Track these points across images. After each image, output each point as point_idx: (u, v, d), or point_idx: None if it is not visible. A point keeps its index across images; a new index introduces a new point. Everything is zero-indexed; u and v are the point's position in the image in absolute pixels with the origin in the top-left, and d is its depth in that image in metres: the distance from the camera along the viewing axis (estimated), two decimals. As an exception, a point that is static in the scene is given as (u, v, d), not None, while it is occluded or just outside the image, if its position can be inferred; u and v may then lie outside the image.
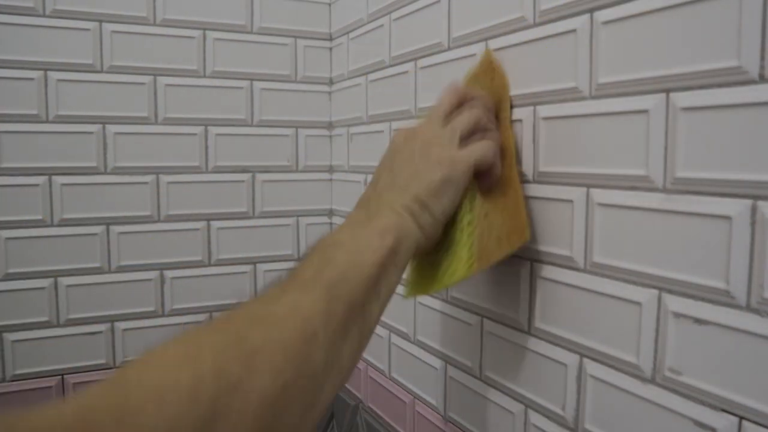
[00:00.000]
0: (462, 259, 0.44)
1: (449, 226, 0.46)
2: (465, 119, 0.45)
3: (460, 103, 0.46)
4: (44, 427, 0.24)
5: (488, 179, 0.45)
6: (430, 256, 0.47)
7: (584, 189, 0.44)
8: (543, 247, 0.49)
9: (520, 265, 0.51)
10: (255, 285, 0.88)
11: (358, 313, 0.35)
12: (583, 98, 0.44)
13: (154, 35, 0.79)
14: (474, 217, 0.45)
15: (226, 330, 0.31)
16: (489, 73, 0.50)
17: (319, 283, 0.34)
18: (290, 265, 0.85)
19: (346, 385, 0.89)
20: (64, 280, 0.77)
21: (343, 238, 0.38)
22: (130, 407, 0.26)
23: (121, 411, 0.25)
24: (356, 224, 0.40)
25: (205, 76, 0.83)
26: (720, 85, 0.35)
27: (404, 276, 0.42)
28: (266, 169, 0.87)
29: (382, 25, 0.73)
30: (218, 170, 0.84)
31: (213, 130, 0.83)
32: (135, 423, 0.25)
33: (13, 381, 0.76)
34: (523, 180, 0.49)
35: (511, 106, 0.49)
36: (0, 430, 0.23)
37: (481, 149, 0.44)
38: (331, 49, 0.90)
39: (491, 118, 0.47)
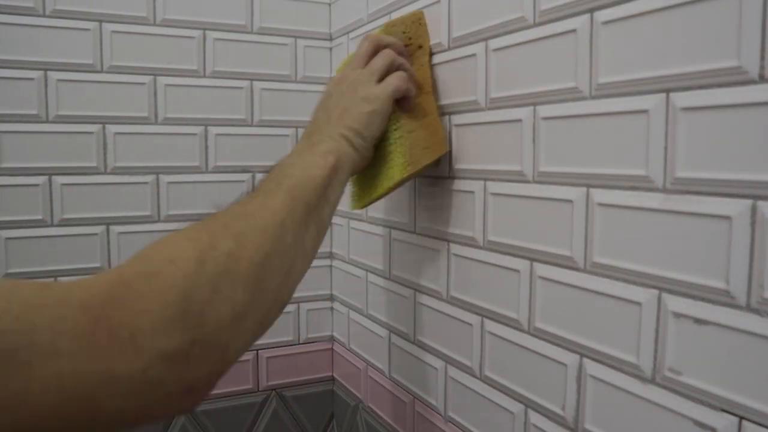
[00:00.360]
0: (398, 164, 0.54)
1: (379, 146, 0.56)
2: (379, 60, 0.55)
3: (376, 50, 0.56)
4: (91, 285, 0.32)
5: (406, 103, 0.56)
6: (365, 172, 0.58)
7: (584, 189, 0.44)
8: (543, 247, 0.49)
9: (519, 264, 0.51)
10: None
11: (314, 211, 0.45)
12: (583, 98, 0.44)
13: (154, 35, 0.79)
14: (402, 133, 0.55)
15: (214, 222, 0.39)
16: (415, 24, 0.62)
17: (281, 189, 0.43)
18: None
19: (346, 385, 0.89)
20: (65, 281, 0.77)
21: (294, 161, 0.48)
22: (153, 270, 0.34)
23: (147, 273, 0.33)
24: (302, 151, 0.49)
25: (205, 76, 0.83)
26: (720, 85, 0.35)
27: (348, 192, 0.53)
28: (266, 169, 0.87)
29: (382, 26, 0.73)
30: (218, 170, 0.84)
31: (213, 130, 0.83)
32: (158, 279, 0.33)
33: (13, 381, 0.75)
34: (440, 108, 0.61)
35: (431, 53, 0.61)
36: (58, 294, 0.30)
37: (394, 81, 0.54)
38: (331, 49, 0.90)
39: (402, 58, 0.58)
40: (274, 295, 0.40)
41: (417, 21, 0.62)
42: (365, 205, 0.59)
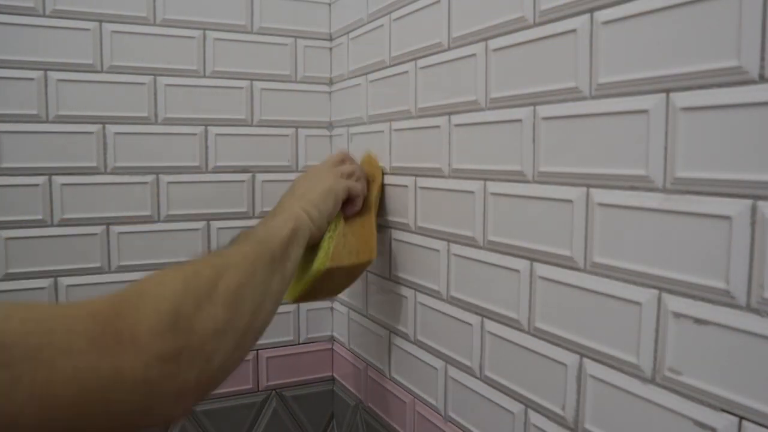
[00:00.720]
0: (320, 258, 0.61)
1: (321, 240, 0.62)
2: (347, 167, 0.67)
3: (343, 161, 0.69)
4: (96, 301, 0.38)
5: (350, 209, 0.66)
6: (303, 258, 0.60)
7: (584, 189, 0.44)
8: (543, 247, 0.49)
9: (519, 264, 0.51)
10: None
11: (278, 261, 0.51)
12: (583, 98, 0.44)
13: (154, 35, 0.79)
14: (335, 234, 0.63)
15: (195, 259, 0.46)
16: (366, 164, 0.74)
17: (250, 240, 0.51)
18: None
19: (346, 385, 0.89)
20: (64, 280, 0.77)
21: (258, 227, 0.55)
22: (147, 290, 0.40)
23: (142, 291, 0.40)
24: (266, 221, 0.57)
25: (205, 76, 0.83)
26: (720, 85, 0.35)
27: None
28: (266, 169, 0.87)
29: (382, 25, 0.73)
30: (218, 170, 0.84)
31: (213, 130, 0.83)
32: (151, 296, 0.40)
33: (13, 381, 0.75)
34: (378, 227, 0.71)
35: (382, 184, 0.73)
36: (69, 308, 0.37)
37: (351, 181, 0.65)
38: (331, 49, 0.90)
39: (363, 177, 0.69)
40: (248, 321, 0.46)
41: (368, 161, 0.74)
42: (295, 298, 0.63)
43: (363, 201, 0.68)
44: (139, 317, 0.38)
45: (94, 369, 0.34)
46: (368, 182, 0.71)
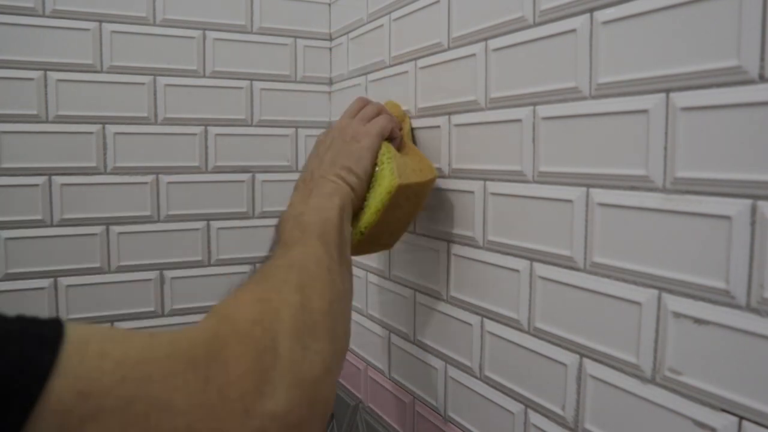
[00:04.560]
0: (386, 178, 0.54)
1: (371, 183, 0.56)
2: (368, 109, 0.59)
3: (363, 107, 0.60)
4: (192, 339, 0.32)
5: (393, 143, 0.59)
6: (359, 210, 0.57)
7: (584, 189, 0.44)
8: (543, 247, 0.49)
9: (519, 264, 0.51)
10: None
11: (342, 251, 0.46)
12: (583, 98, 0.44)
13: (154, 35, 0.79)
14: (392, 156, 0.56)
15: (271, 277, 0.40)
16: (394, 109, 0.67)
17: (311, 237, 0.44)
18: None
19: (346, 385, 0.89)
20: (64, 280, 0.77)
21: (304, 209, 0.48)
22: (244, 331, 0.34)
23: (238, 333, 0.33)
24: (305, 198, 0.50)
25: (205, 76, 0.83)
26: (720, 85, 0.35)
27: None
28: (266, 169, 0.87)
29: (382, 25, 0.73)
30: (218, 170, 0.84)
31: (213, 130, 0.83)
32: (251, 342, 0.33)
33: (13, 381, 0.75)
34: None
35: (412, 129, 0.67)
36: (166, 347, 0.30)
37: (381, 121, 0.57)
38: (331, 49, 0.90)
39: (387, 112, 0.61)
40: (344, 341, 0.41)
41: (391, 107, 0.67)
42: (363, 233, 0.56)
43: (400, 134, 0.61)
44: (243, 370, 0.32)
45: (193, 404, 0.29)
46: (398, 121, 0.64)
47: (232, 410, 0.30)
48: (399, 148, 0.60)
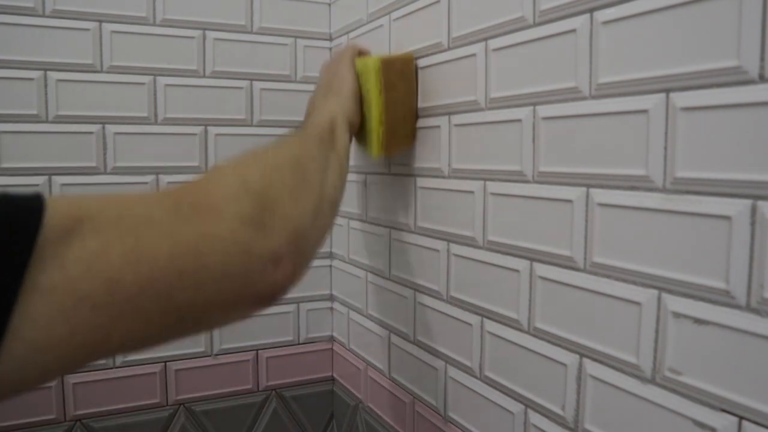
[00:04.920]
0: (370, 63, 0.63)
1: (365, 106, 0.65)
2: (336, 51, 0.71)
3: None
4: (167, 188, 0.40)
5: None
6: (364, 128, 0.65)
7: (584, 189, 0.44)
8: (543, 247, 0.49)
9: (519, 264, 0.51)
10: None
11: (327, 143, 0.52)
12: (583, 98, 0.44)
13: (154, 35, 0.79)
14: (369, 55, 0.67)
15: (248, 152, 0.45)
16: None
17: (293, 134, 0.53)
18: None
19: (346, 385, 0.89)
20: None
21: (300, 127, 0.56)
22: (209, 176, 0.41)
23: (203, 178, 0.41)
24: (302, 124, 0.58)
25: (205, 76, 0.83)
26: (720, 85, 0.35)
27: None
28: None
29: (382, 25, 0.73)
30: (218, 170, 0.84)
31: (213, 130, 0.83)
32: (215, 176, 0.41)
33: (13, 381, 0.75)
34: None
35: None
36: (144, 194, 0.36)
37: (346, 52, 0.67)
38: (331, 49, 0.90)
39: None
40: (318, 187, 0.46)
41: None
42: (380, 141, 0.64)
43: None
44: (209, 190, 0.39)
45: (179, 234, 0.34)
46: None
47: (203, 216, 0.36)
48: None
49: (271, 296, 0.39)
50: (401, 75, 0.65)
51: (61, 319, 0.29)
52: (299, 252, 0.41)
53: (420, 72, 0.65)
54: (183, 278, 0.34)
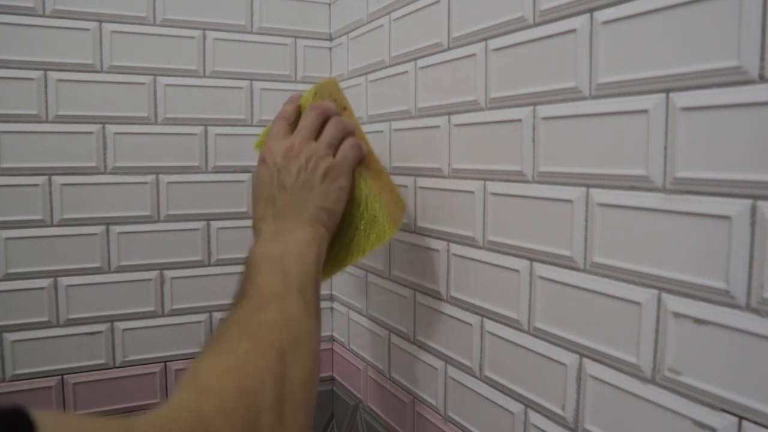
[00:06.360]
0: (385, 229, 0.55)
1: (353, 223, 0.57)
2: (333, 130, 0.54)
3: (324, 121, 0.55)
4: (172, 420, 0.31)
5: (364, 163, 0.56)
6: (332, 242, 0.56)
7: (584, 189, 0.44)
8: (543, 247, 0.49)
9: (519, 264, 0.51)
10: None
11: (317, 305, 0.46)
12: (583, 98, 0.44)
13: (154, 35, 0.79)
14: (375, 194, 0.56)
15: (256, 335, 0.39)
16: (335, 90, 0.60)
17: (292, 291, 0.43)
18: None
19: (346, 385, 0.89)
20: (64, 280, 0.77)
21: (282, 251, 0.46)
22: (230, 406, 0.33)
23: (224, 409, 0.33)
24: (280, 236, 0.48)
25: (205, 76, 0.83)
26: (720, 85, 0.35)
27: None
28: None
29: (381, 25, 0.73)
30: (218, 170, 0.84)
31: (213, 130, 0.83)
32: (237, 415, 0.33)
33: (12, 381, 0.75)
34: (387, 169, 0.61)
35: (354, 114, 0.61)
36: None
37: (351, 152, 0.54)
38: (331, 49, 0.90)
39: (348, 122, 0.56)
40: (313, 408, 0.41)
41: (336, 87, 0.61)
42: (338, 272, 0.58)
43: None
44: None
45: None
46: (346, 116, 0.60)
47: None
48: (367, 164, 0.58)
49: None
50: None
51: None
52: None
53: (420, 72, 0.65)
54: None
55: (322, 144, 0.53)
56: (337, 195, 0.52)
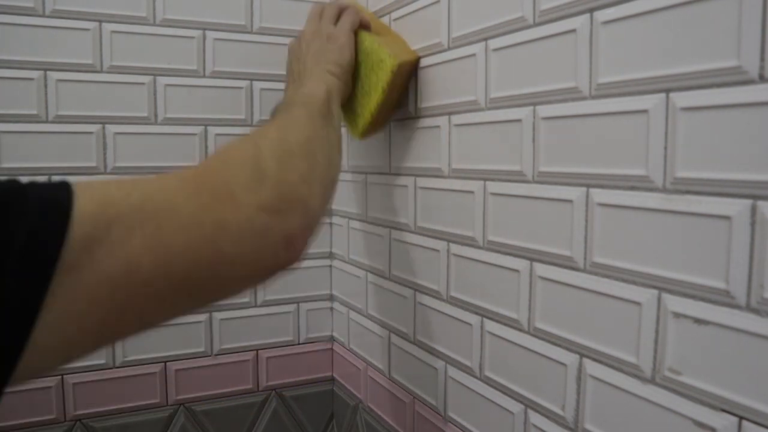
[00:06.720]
0: (385, 60, 0.62)
1: (357, 75, 0.65)
2: (329, 10, 0.66)
3: (324, 9, 0.67)
4: (184, 170, 0.39)
5: (367, 28, 0.66)
6: (352, 100, 0.66)
7: (584, 189, 0.44)
8: (543, 247, 0.49)
9: (519, 264, 0.51)
10: (255, 285, 0.87)
11: (327, 117, 0.53)
12: (583, 98, 0.44)
13: (154, 35, 0.79)
14: (379, 41, 0.63)
15: (259, 129, 0.48)
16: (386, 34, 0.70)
17: (295, 105, 0.52)
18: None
19: (346, 385, 0.89)
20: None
21: (293, 96, 0.56)
22: (227, 157, 0.43)
23: (224, 157, 0.43)
24: (295, 91, 0.57)
25: (204, 76, 0.83)
26: (720, 85, 0.35)
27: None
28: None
29: (382, 25, 0.73)
30: (218, 170, 0.84)
31: (213, 130, 0.83)
32: (235, 160, 0.42)
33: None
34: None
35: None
36: (162, 180, 0.37)
37: (347, 17, 0.64)
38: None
39: (347, 4, 0.67)
40: (325, 168, 0.48)
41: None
42: (365, 128, 0.66)
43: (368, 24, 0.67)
44: (228, 178, 0.40)
45: (198, 223, 0.36)
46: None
47: (224, 204, 0.38)
48: (374, 31, 0.67)
49: (281, 272, 0.41)
50: (406, 76, 0.66)
51: (84, 298, 0.30)
52: (309, 231, 0.43)
53: (420, 72, 0.65)
54: (199, 265, 0.36)
55: (321, 22, 0.65)
56: (339, 51, 0.61)
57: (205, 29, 0.82)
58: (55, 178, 0.75)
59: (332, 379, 0.94)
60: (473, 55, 0.56)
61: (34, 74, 0.74)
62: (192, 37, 0.81)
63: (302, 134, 0.48)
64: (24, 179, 0.33)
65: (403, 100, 0.68)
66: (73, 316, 0.30)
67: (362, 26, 0.65)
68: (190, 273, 0.35)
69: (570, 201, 0.46)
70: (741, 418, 0.34)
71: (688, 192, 0.37)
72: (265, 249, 0.39)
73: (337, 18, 0.65)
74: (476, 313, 0.58)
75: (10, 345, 0.28)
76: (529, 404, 0.51)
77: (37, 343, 0.28)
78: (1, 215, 0.28)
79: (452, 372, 0.62)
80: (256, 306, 0.88)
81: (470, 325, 0.58)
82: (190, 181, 0.38)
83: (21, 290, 0.28)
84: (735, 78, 0.34)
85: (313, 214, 0.44)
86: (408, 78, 0.66)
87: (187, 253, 0.35)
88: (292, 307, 0.91)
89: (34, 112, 0.74)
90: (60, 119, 0.76)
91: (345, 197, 0.87)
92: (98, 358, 0.79)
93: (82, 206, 0.31)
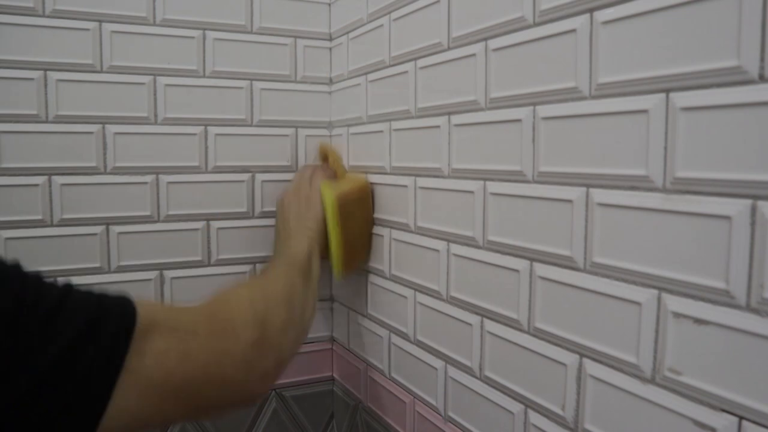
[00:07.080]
0: (326, 199, 0.73)
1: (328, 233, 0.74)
2: (306, 170, 0.81)
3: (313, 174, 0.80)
4: (196, 307, 0.51)
5: (331, 174, 0.81)
6: (329, 247, 0.75)
7: (584, 189, 0.44)
8: (543, 247, 0.49)
9: (519, 264, 0.51)
10: (255, 285, 0.87)
11: (306, 274, 0.66)
12: (583, 98, 0.44)
13: (154, 35, 0.79)
14: (327, 186, 0.74)
15: (252, 280, 0.62)
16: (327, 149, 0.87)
17: (281, 264, 0.66)
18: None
19: (346, 385, 0.89)
20: (64, 281, 0.77)
21: (282, 254, 0.69)
22: (227, 299, 0.55)
23: (227, 299, 0.55)
24: (282, 247, 0.72)
25: (204, 76, 0.83)
26: (720, 85, 0.35)
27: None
28: (266, 169, 0.87)
29: (381, 25, 0.73)
30: (218, 170, 0.84)
31: (213, 130, 0.83)
32: (235, 302, 0.54)
33: (13, 381, 0.75)
34: (377, 225, 0.78)
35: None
36: (183, 311, 0.49)
37: (316, 178, 0.78)
38: (330, 49, 0.90)
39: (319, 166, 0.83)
40: (300, 319, 0.60)
41: (329, 147, 0.87)
42: (340, 266, 0.75)
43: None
44: (232, 316, 0.52)
45: (212, 349, 0.47)
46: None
47: (229, 336, 0.50)
48: (339, 175, 0.79)
49: (256, 400, 0.55)
50: (358, 203, 0.74)
51: (135, 396, 0.39)
52: (279, 370, 0.55)
53: (420, 72, 0.65)
54: (209, 380, 0.46)
55: (308, 184, 0.77)
56: (313, 209, 0.74)
57: (205, 29, 0.82)
58: (56, 178, 0.75)
59: (332, 379, 0.94)
60: (473, 55, 0.56)
61: (34, 74, 0.74)
62: (192, 37, 0.81)
63: (285, 289, 0.60)
64: (96, 289, 0.43)
65: (372, 224, 0.77)
66: (130, 409, 0.39)
67: (330, 177, 0.78)
68: (202, 386, 0.45)
69: (570, 201, 0.46)
70: (741, 418, 0.34)
71: (688, 192, 0.37)
72: (249, 379, 0.50)
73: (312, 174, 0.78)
74: (476, 313, 0.58)
75: (87, 425, 0.37)
76: (529, 404, 0.51)
77: (104, 427, 0.38)
78: (93, 330, 0.38)
79: (452, 372, 0.62)
80: (256, 306, 0.88)
81: (470, 325, 0.58)
82: (206, 312, 0.50)
83: (99, 378, 0.38)
84: (735, 78, 0.34)
85: (285, 358, 0.56)
86: (364, 203, 0.76)
87: (203, 370, 0.45)
88: (292, 307, 0.91)
89: (34, 112, 0.74)
90: (60, 119, 0.76)
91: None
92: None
93: (141, 316, 0.41)
